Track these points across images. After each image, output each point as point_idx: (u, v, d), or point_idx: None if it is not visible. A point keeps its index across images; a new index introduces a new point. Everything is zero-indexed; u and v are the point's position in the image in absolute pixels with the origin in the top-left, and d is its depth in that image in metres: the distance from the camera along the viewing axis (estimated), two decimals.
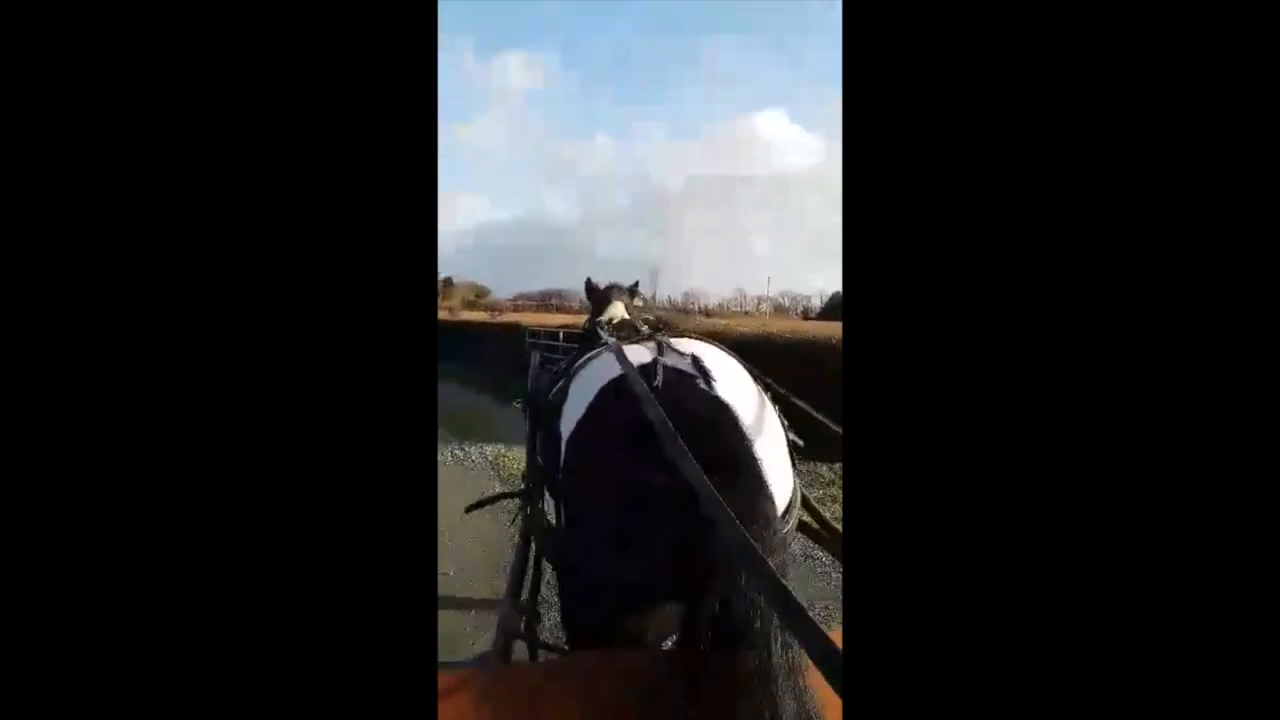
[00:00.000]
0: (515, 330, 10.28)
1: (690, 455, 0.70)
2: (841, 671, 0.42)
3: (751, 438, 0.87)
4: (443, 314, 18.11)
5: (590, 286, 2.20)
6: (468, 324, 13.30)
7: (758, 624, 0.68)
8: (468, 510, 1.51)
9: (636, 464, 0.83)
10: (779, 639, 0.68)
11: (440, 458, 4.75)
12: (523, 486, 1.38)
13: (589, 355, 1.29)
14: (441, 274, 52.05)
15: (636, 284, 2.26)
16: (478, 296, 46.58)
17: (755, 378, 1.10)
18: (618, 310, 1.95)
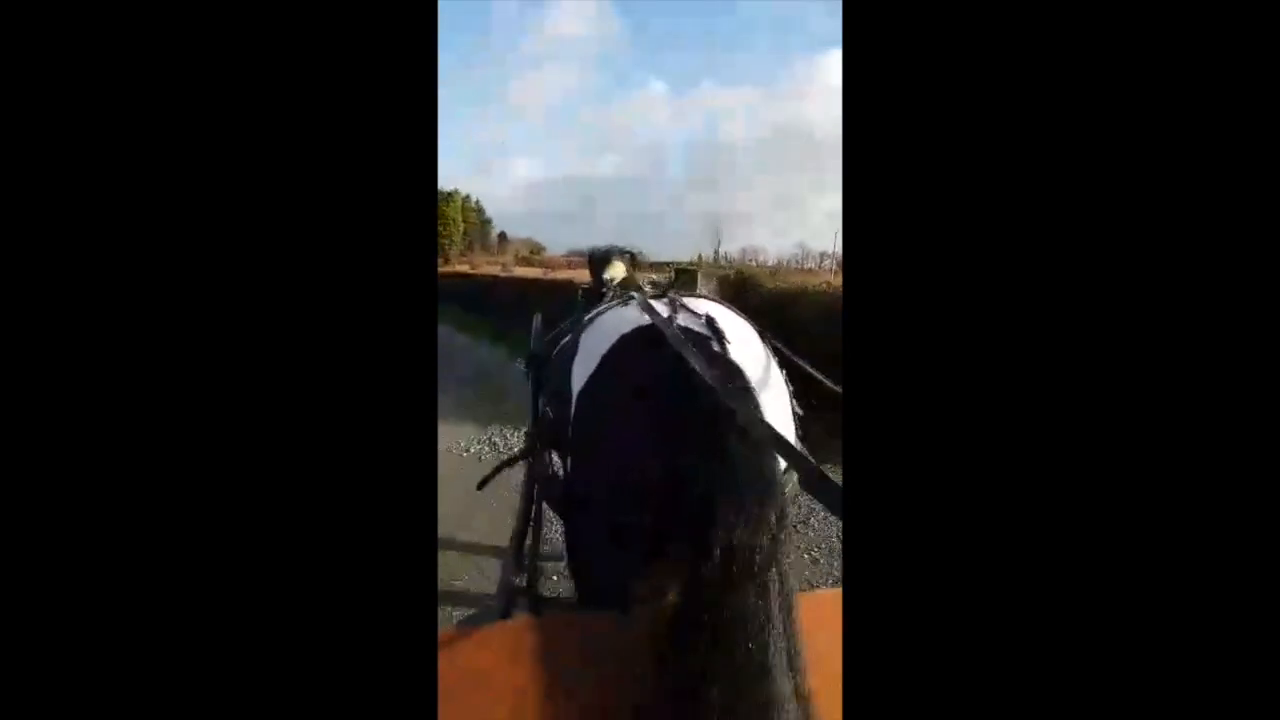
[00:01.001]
0: (569, 286, 9.74)
1: (729, 368, 0.75)
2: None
3: (763, 405, 0.84)
4: (496, 269, 18.25)
5: (591, 254, 2.10)
6: (519, 280, 12.82)
7: (757, 561, 0.65)
8: (479, 487, 1.43)
9: (650, 420, 0.78)
10: (778, 582, 0.66)
11: (478, 448, 3.94)
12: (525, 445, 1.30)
13: (599, 309, 1.21)
14: (496, 229, 52.43)
15: (637, 252, 2.21)
16: (532, 253, 46.56)
17: (765, 340, 1.07)
18: (618, 270, 1.89)
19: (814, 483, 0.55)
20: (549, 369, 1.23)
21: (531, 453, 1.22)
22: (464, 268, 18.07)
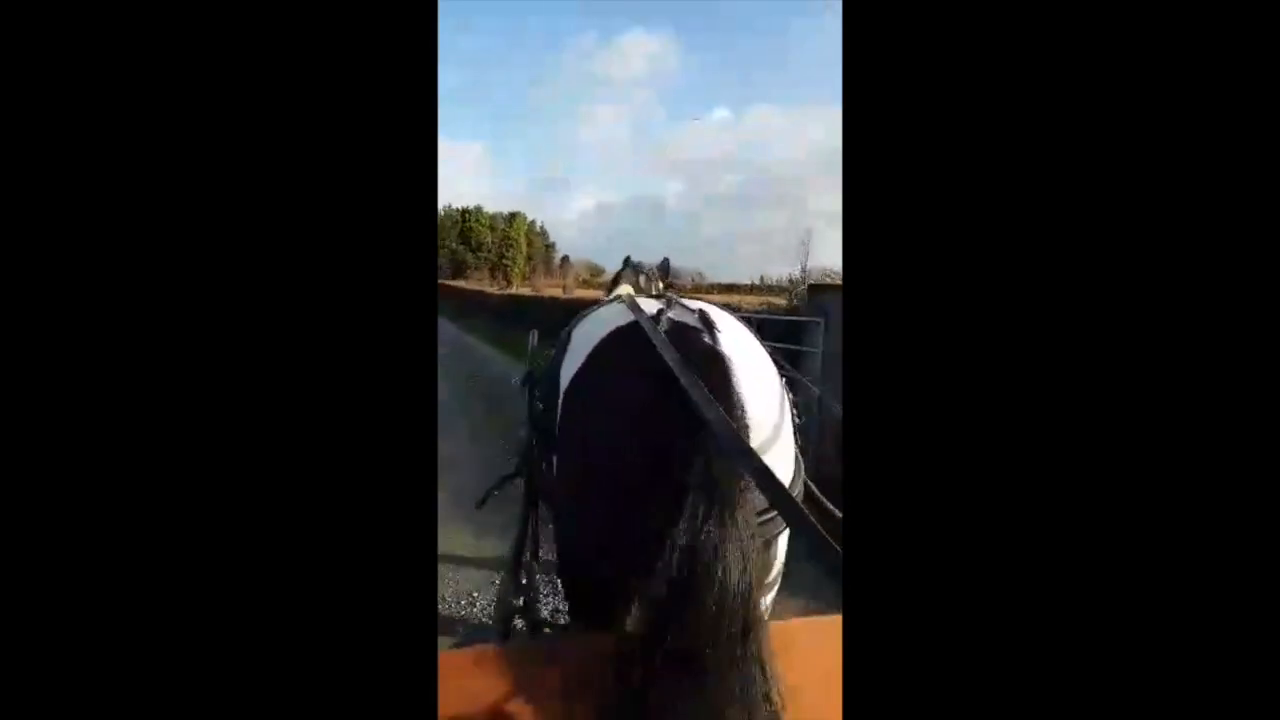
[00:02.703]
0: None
1: (704, 389, 0.68)
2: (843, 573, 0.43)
3: (747, 399, 0.79)
4: (556, 291, 18.80)
5: (621, 270, 2.23)
6: (580, 300, 13.10)
7: (735, 579, 0.65)
8: (478, 506, 1.38)
9: (640, 412, 0.78)
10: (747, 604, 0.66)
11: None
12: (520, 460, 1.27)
13: (591, 309, 1.20)
14: (559, 254, 53.87)
15: (666, 261, 2.25)
16: (592, 275, 47.47)
17: (769, 352, 1.01)
18: (625, 289, 1.94)
19: (779, 501, 0.54)
20: (541, 362, 1.22)
21: (527, 463, 1.17)
22: (526, 290, 18.69)
